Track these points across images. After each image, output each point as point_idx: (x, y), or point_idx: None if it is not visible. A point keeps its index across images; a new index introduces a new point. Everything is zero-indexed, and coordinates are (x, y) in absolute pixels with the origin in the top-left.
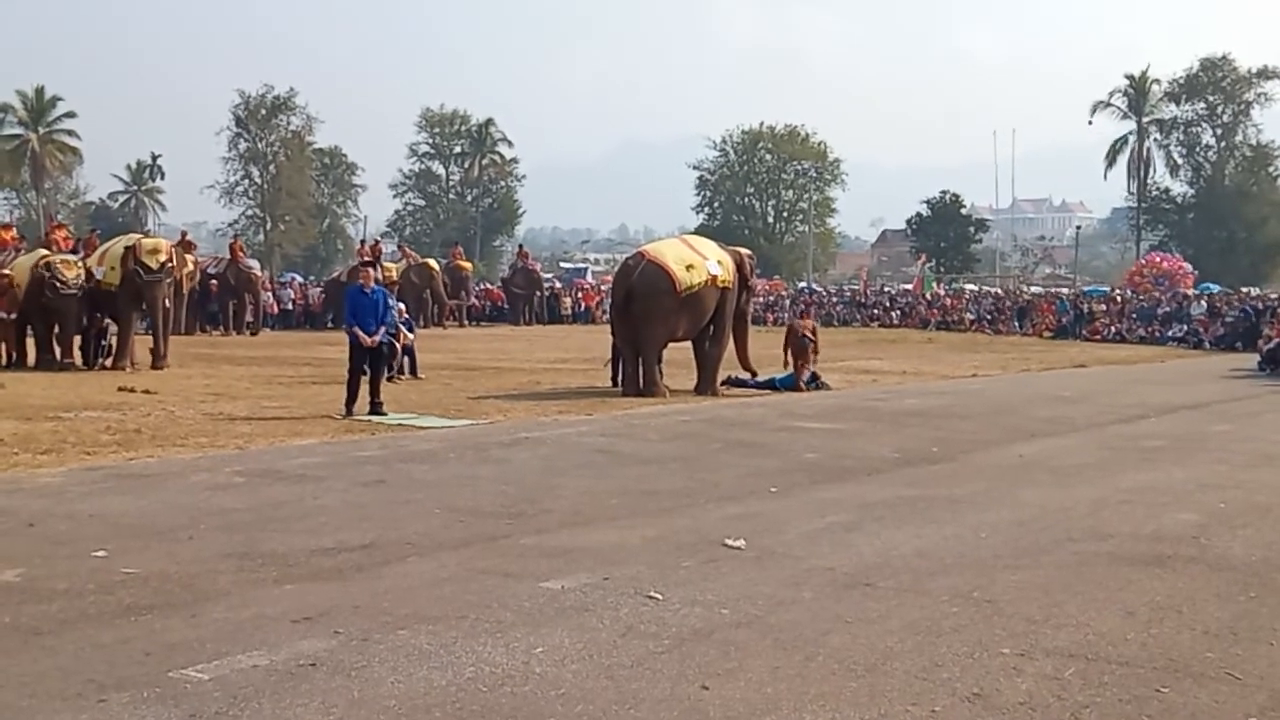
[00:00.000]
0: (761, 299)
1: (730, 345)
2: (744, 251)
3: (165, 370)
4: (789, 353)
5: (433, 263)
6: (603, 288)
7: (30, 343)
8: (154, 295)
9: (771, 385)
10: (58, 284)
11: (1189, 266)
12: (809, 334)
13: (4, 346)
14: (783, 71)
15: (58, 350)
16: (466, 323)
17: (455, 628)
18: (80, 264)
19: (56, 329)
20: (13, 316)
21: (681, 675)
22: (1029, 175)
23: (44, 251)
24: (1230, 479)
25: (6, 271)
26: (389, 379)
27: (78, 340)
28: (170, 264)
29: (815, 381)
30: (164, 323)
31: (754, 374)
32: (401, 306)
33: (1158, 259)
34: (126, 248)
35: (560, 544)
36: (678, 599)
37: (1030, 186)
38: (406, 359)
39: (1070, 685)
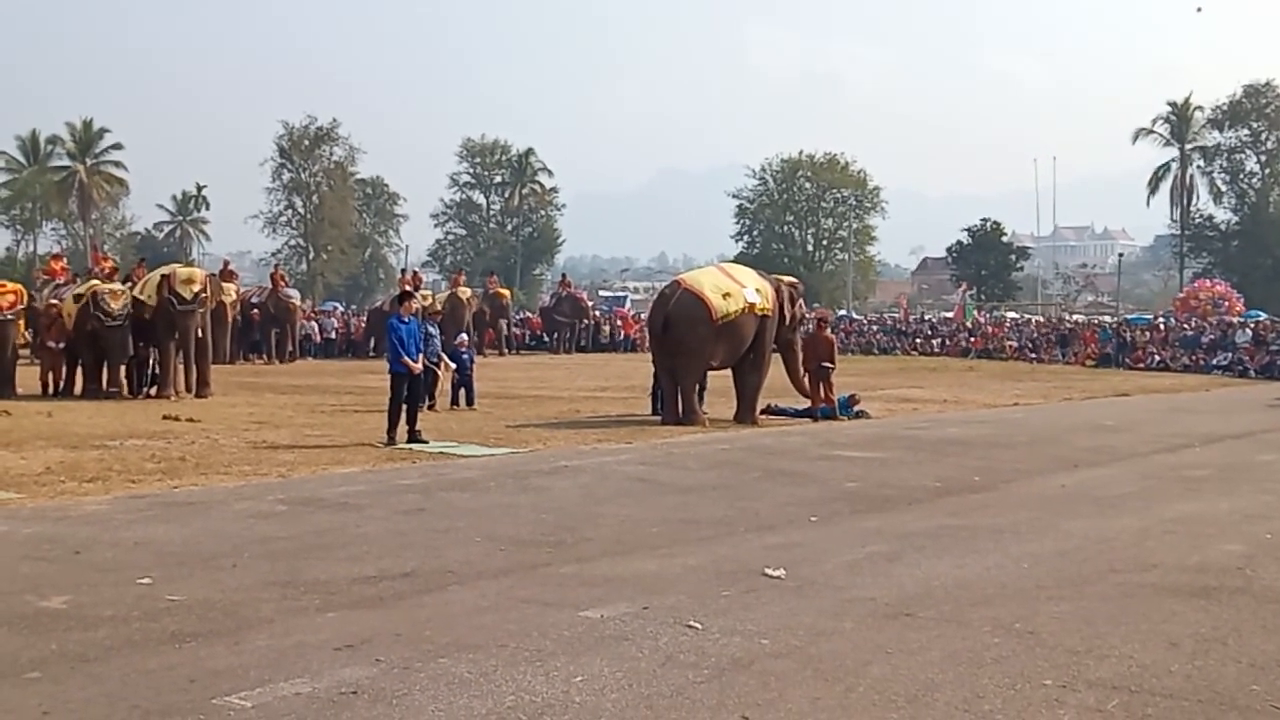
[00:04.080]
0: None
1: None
2: (789, 280)
3: (209, 399)
4: (808, 374)
5: (464, 291)
6: (642, 316)
7: (77, 372)
8: (186, 325)
9: (810, 414)
10: (102, 315)
11: (1236, 294)
12: (829, 360)
13: (52, 375)
14: (822, 100)
15: (104, 379)
16: (506, 351)
17: (495, 656)
18: (127, 294)
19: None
20: (61, 346)
21: (721, 705)
22: (1070, 203)
23: (96, 282)
24: (1277, 509)
25: (55, 302)
26: (429, 407)
27: (123, 369)
28: (204, 294)
29: (854, 410)
30: (202, 352)
31: (811, 399)
32: (465, 337)
33: (1208, 284)
34: (163, 276)
35: (600, 573)
36: (717, 628)
37: (1072, 214)
38: (463, 390)
39: (1113, 718)
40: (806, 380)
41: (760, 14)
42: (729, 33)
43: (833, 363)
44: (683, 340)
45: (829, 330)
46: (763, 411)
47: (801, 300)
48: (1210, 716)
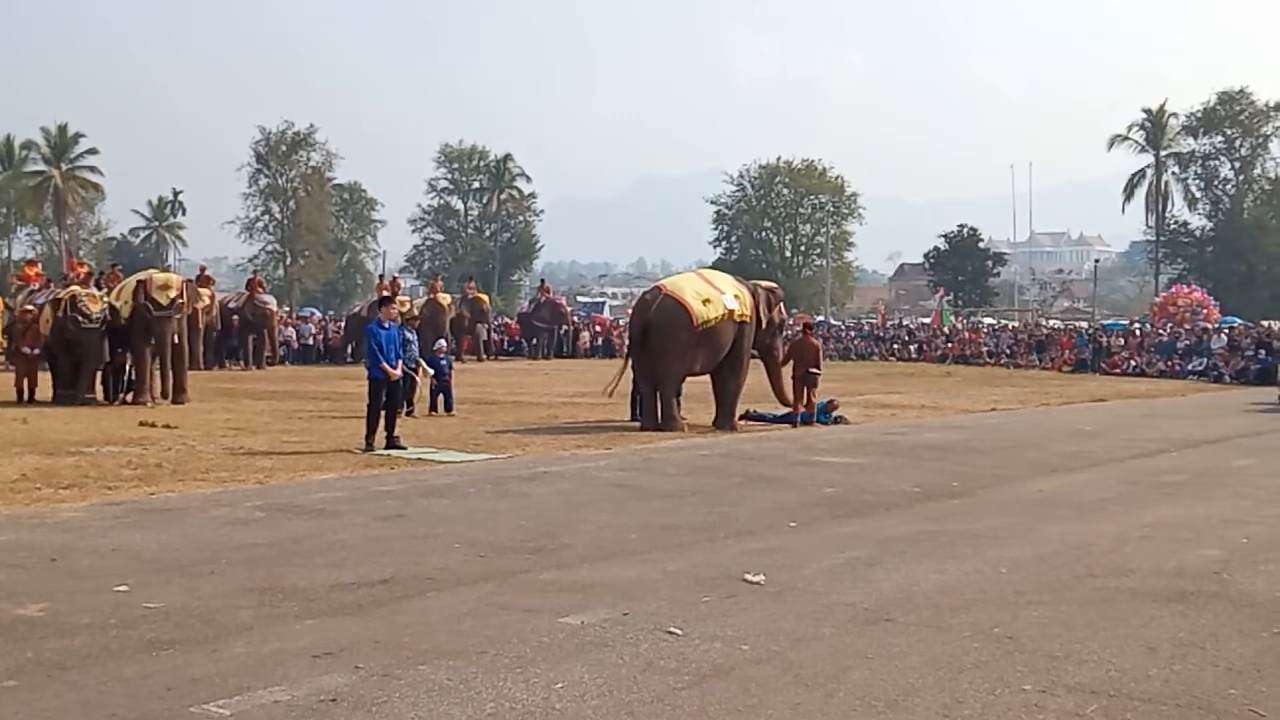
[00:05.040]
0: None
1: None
2: (768, 285)
3: (186, 405)
4: (794, 380)
5: (443, 297)
6: (621, 322)
7: (45, 378)
8: (162, 331)
9: (790, 420)
10: (80, 318)
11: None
12: (815, 366)
13: (27, 381)
14: (801, 106)
15: (80, 385)
16: (485, 357)
17: (475, 663)
18: (103, 298)
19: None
20: (36, 351)
21: (702, 712)
22: (1047, 209)
23: (77, 288)
24: (1253, 514)
25: (30, 308)
26: (407, 413)
27: (98, 375)
28: (180, 300)
29: (833, 415)
30: (178, 358)
31: (791, 406)
32: (443, 343)
33: (1185, 290)
34: (139, 282)
35: (580, 579)
36: (698, 634)
37: (1048, 220)
38: (442, 396)
39: None
40: (791, 385)
41: (742, 20)
42: (711, 39)
43: (819, 368)
44: (664, 346)
45: (814, 336)
46: (742, 417)
47: (781, 305)
48: None
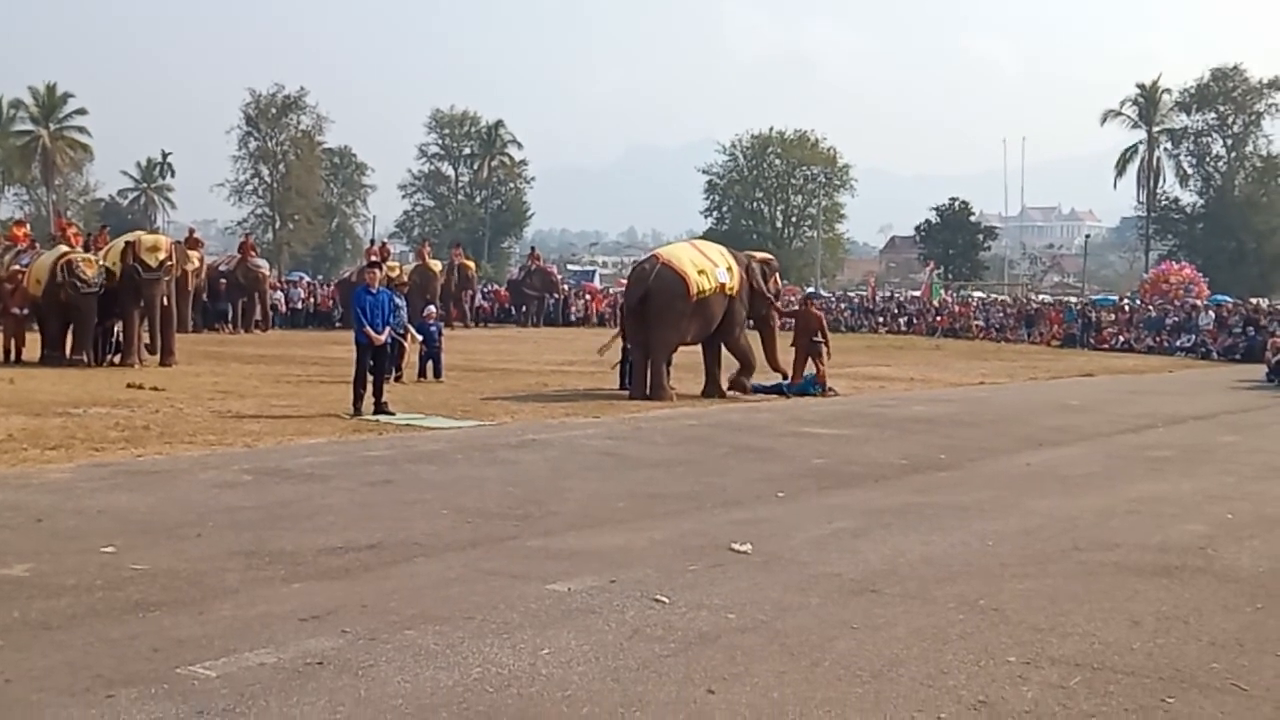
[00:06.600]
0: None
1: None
2: (763, 256)
3: (174, 367)
4: (797, 350)
5: (434, 263)
6: (612, 290)
7: (33, 338)
8: (151, 293)
9: (780, 390)
10: (78, 282)
11: (1203, 277)
12: (819, 335)
13: (14, 342)
14: (794, 77)
15: (68, 347)
16: (471, 323)
17: (462, 628)
18: (99, 262)
19: (71, 326)
20: (24, 312)
21: (687, 679)
22: (1038, 184)
23: (65, 249)
24: (1238, 490)
25: (17, 268)
26: (396, 379)
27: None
28: (169, 262)
29: (822, 387)
30: (166, 320)
31: (785, 375)
32: (433, 310)
33: (1175, 267)
34: (127, 243)
35: (567, 546)
36: (684, 603)
37: (1039, 195)
38: (431, 362)
39: (1076, 694)
40: (794, 355)
41: None
42: (706, 10)
43: (823, 336)
44: (660, 315)
45: (816, 306)
46: (730, 387)
47: (776, 275)
48: (1171, 694)
